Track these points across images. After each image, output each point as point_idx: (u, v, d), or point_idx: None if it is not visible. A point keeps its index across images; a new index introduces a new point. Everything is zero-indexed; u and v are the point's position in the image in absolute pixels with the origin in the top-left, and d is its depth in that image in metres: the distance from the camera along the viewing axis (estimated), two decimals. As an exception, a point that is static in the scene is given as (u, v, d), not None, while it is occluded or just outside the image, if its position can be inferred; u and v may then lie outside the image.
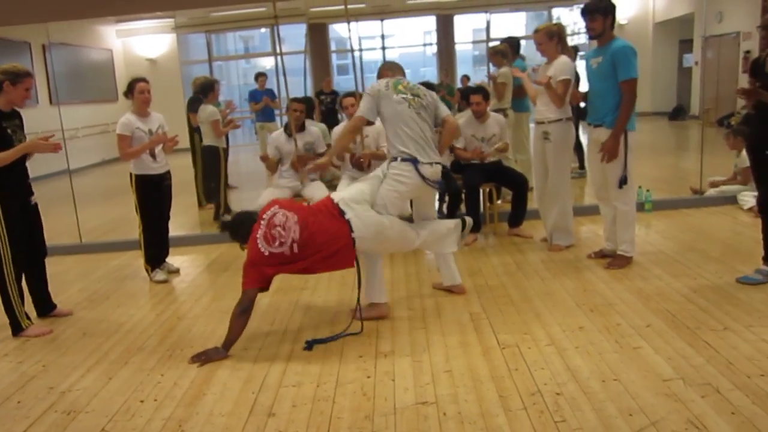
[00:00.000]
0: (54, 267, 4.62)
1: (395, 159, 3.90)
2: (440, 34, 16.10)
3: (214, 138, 6.91)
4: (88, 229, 6.79)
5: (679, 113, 14.50)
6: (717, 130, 10.75)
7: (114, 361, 3.65)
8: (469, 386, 3.02)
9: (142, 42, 15.52)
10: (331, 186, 5.95)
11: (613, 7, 4.40)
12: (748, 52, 11.68)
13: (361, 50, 15.26)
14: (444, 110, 4.12)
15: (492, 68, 7.34)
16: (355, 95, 5.59)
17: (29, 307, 4.32)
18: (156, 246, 5.22)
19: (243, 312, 3.55)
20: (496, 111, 6.34)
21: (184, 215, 7.28)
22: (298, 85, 9.06)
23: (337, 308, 4.19)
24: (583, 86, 5.41)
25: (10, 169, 4.03)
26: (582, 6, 4.45)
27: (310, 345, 3.62)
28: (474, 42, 19.86)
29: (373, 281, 3.96)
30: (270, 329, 3.91)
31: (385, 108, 3.93)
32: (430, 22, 16.34)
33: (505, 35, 7.81)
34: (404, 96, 3.92)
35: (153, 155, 4.97)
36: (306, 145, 5.76)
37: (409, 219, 4.14)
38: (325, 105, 10.60)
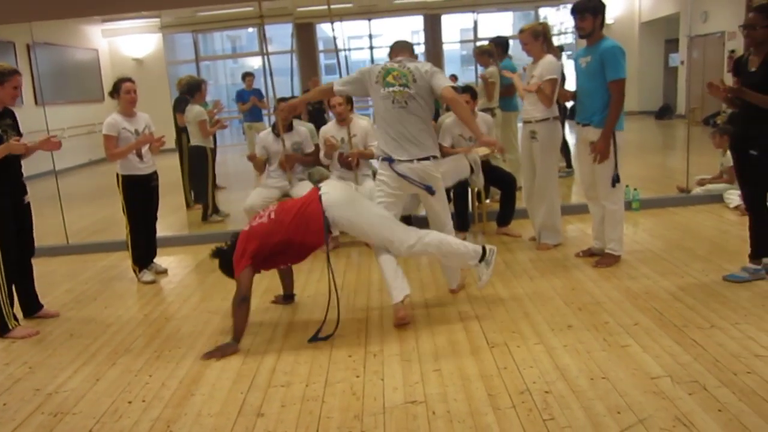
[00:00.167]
0: (40, 268, 4.58)
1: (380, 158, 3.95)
2: (428, 34, 16.12)
3: (201, 138, 6.88)
4: (74, 230, 6.75)
5: (665, 112, 14.59)
6: (703, 129, 10.84)
7: (101, 362, 3.63)
8: (458, 385, 3.02)
9: (128, 42, 15.43)
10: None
11: (603, 7, 4.42)
12: (732, 51, 11.78)
13: (348, 50, 15.28)
14: (440, 83, 3.80)
15: (480, 68, 7.35)
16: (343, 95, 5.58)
17: (16, 307, 4.29)
18: (143, 246, 5.19)
19: (242, 300, 3.60)
20: (484, 110, 6.35)
21: (172, 216, 7.24)
22: (286, 84, 9.05)
23: (325, 308, 4.17)
24: (570, 85, 5.44)
25: (4, 169, 4.01)
26: (572, 5, 4.47)
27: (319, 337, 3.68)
28: (462, 42, 19.92)
29: (388, 281, 3.83)
30: (258, 330, 3.90)
31: (374, 100, 3.94)
32: (417, 21, 16.36)
33: (492, 35, 7.84)
34: (391, 89, 3.81)
35: (140, 155, 4.94)
36: (294, 144, 5.75)
37: (407, 220, 4.11)
38: (312, 105, 10.57)
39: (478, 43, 8.44)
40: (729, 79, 4.25)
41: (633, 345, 3.30)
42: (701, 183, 6.63)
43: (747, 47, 4.09)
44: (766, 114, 3.85)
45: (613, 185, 4.47)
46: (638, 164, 8.44)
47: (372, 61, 16.10)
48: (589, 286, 4.25)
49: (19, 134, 4.18)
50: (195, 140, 6.94)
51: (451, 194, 5.61)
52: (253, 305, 4.33)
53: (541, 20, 10.44)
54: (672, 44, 15.07)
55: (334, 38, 6.00)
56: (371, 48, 16.18)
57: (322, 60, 16.90)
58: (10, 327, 4.10)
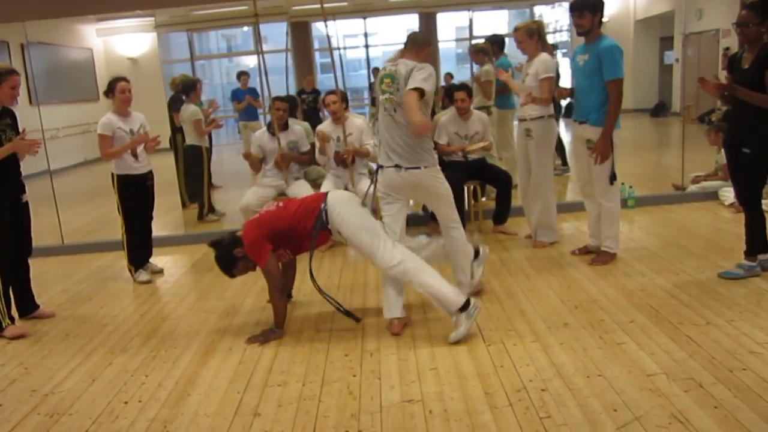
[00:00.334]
0: (36, 268, 4.57)
1: None
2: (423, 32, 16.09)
3: (196, 137, 6.87)
4: (70, 230, 6.73)
5: (660, 110, 14.60)
6: (698, 126, 10.85)
7: (97, 362, 3.62)
8: (454, 383, 3.02)
9: (122, 41, 15.36)
10: (316, 185, 5.94)
11: (601, 5, 4.39)
12: (727, 48, 11.79)
13: (344, 48, 15.26)
14: (409, 85, 3.50)
15: (475, 67, 7.35)
16: (338, 93, 5.58)
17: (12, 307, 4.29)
18: (139, 246, 5.18)
19: (273, 288, 3.72)
20: (480, 108, 6.35)
21: (168, 215, 7.22)
22: (281, 83, 9.04)
23: (321, 307, 4.17)
24: (564, 83, 5.44)
25: (4, 168, 4.01)
26: (570, 2, 4.45)
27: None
28: (457, 40, 19.89)
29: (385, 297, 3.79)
30: (255, 329, 3.89)
31: None
32: (412, 20, 16.32)
33: (487, 33, 7.82)
34: (383, 96, 3.67)
35: (135, 155, 4.93)
36: (290, 143, 5.75)
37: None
38: (307, 104, 10.56)
39: (474, 42, 8.43)
40: (724, 77, 4.25)
41: (629, 342, 3.31)
42: (696, 180, 6.65)
43: (741, 45, 4.10)
44: (758, 112, 3.86)
45: (611, 183, 4.48)
46: (633, 162, 8.45)
47: (367, 60, 16.10)
48: (585, 283, 4.26)
49: (19, 134, 4.16)
50: (190, 139, 6.93)
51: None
52: (250, 304, 4.36)
53: (536, 18, 10.45)
54: (667, 42, 15.08)
55: (328, 37, 5.98)
56: (366, 46, 16.15)
57: (318, 58, 16.87)
58: (4, 326, 4.10)
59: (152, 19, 14.04)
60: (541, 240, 5.18)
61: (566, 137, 8.34)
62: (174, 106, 7.38)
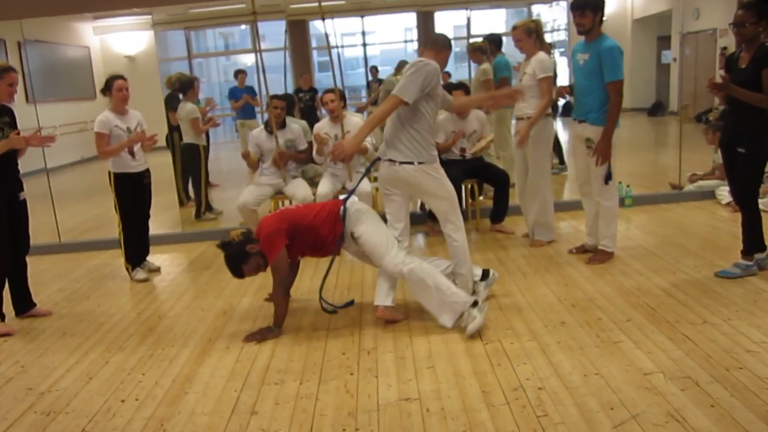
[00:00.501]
0: (32, 267, 4.56)
1: None
2: (421, 31, 16.10)
3: (193, 136, 6.86)
4: (66, 229, 6.72)
5: (657, 109, 14.62)
6: (695, 125, 10.88)
7: (94, 360, 3.62)
8: (451, 382, 3.03)
9: (119, 39, 15.34)
10: (313, 183, 5.94)
11: (602, 4, 4.37)
12: (724, 48, 11.81)
13: (342, 47, 15.25)
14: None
15: (474, 65, 7.35)
16: (335, 92, 5.58)
17: (8, 304, 4.28)
18: (136, 244, 5.18)
19: (279, 284, 3.73)
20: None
21: (165, 213, 7.22)
22: (279, 82, 9.03)
23: (319, 306, 4.16)
24: (561, 81, 5.44)
25: (1, 164, 4.00)
26: (570, 1, 4.44)
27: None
28: (455, 38, 19.89)
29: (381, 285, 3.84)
30: (252, 327, 3.89)
31: None
32: (410, 18, 16.35)
33: (485, 32, 7.84)
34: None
35: (132, 153, 4.93)
36: (287, 142, 5.74)
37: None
38: (304, 102, 10.55)
39: (472, 40, 8.44)
40: (720, 76, 4.26)
41: (626, 341, 3.31)
42: (693, 179, 6.66)
43: (738, 44, 4.10)
44: (753, 112, 3.87)
45: (606, 182, 4.47)
46: (631, 161, 8.46)
47: (365, 58, 16.11)
48: (582, 282, 4.26)
49: (15, 132, 4.16)
50: (188, 138, 6.92)
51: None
52: (247, 303, 4.35)
53: (534, 17, 10.47)
54: (664, 41, 15.10)
55: (326, 35, 5.97)
56: (364, 45, 16.16)
57: (315, 57, 16.88)
58: None
59: (149, 17, 14.00)
60: (539, 239, 5.19)
61: (563, 136, 8.34)
62: (171, 104, 7.37)
